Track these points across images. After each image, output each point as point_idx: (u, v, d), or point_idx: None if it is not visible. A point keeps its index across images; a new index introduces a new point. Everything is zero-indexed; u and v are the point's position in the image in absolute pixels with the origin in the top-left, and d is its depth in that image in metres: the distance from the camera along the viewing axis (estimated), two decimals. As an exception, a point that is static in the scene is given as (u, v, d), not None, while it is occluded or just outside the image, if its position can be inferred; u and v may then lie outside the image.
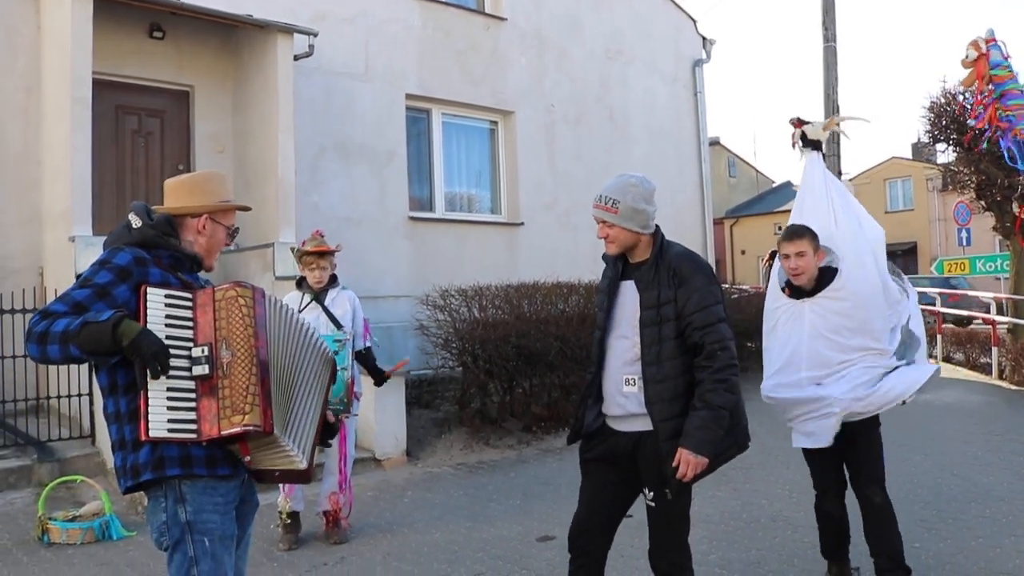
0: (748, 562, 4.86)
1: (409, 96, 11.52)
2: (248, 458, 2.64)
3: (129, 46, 9.25)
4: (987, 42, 5.63)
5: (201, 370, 2.51)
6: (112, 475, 6.56)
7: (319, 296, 5.57)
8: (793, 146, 5.19)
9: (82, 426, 7.33)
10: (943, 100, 15.60)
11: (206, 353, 2.52)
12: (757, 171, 46.21)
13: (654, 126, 14.68)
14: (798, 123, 5.20)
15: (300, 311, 5.32)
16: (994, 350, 12.00)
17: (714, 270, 3.36)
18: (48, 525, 5.59)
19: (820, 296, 4.27)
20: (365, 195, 10.87)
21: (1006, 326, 13.29)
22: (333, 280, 5.69)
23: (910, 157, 37.65)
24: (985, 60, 5.61)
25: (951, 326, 15.89)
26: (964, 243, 19.65)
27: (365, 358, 5.77)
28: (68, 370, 7.23)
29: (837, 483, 4.42)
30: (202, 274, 2.90)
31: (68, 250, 7.75)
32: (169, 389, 2.49)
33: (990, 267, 18.37)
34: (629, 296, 3.28)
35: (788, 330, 4.36)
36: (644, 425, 3.19)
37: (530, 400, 8.78)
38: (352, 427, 5.74)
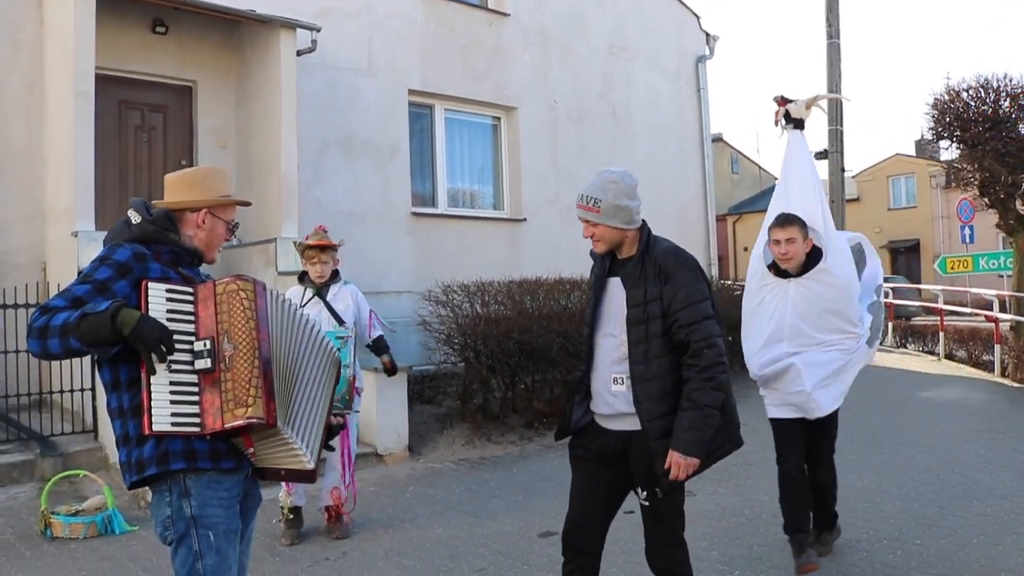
0: (750, 559, 4.87)
1: (412, 92, 11.51)
2: (252, 450, 2.65)
3: (132, 41, 9.25)
4: None
5: (203, 364, 2.51)
6: (114, 469, 6.58)
7: (321, 291, 5.58)
8: (776, 124, 5.33)
9: (84, 421, 7.34)
10: (947, 97, 15.58)
11: (208, 347, 2.52)
12: (760, 168, 46.12)
13: (657, 122, 14.67)
14: (782, 101, 5.32)
15: (302, 306, 5.32)
16: (996, 347, 11.99)
17: (705, 266, 3.34)
18: (51, 519, 5.61)
19: (806, 277, 4.51)
20: (368, 191, 10.87)
21: (1009, 323, 13.28)
22: (335, 275, 5.70)
23: (913, 154, 37.63)
24: None
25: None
26: (967, 240, 19.62)
27: (377, 348, 5.79)
28: (70, 365, 7.24)
29: (799, 455, 4.71)
30: (204, 268, 2.91)
31: (71, 245, 7.75)
32: (172, 383, 2.49)
33: (993, 264, 18.33)
34: (616, 293, 3.25)
35: (773, 307, 4.61)
36: (633, 424, 3.16)
37: (532, 396, 8.79)
38: (354, 423, 5.75)
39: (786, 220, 4.54)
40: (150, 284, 2.55)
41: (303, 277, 5.70)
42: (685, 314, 3.07)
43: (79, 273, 2.79)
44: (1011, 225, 14.44)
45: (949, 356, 13.47)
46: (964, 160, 15.70)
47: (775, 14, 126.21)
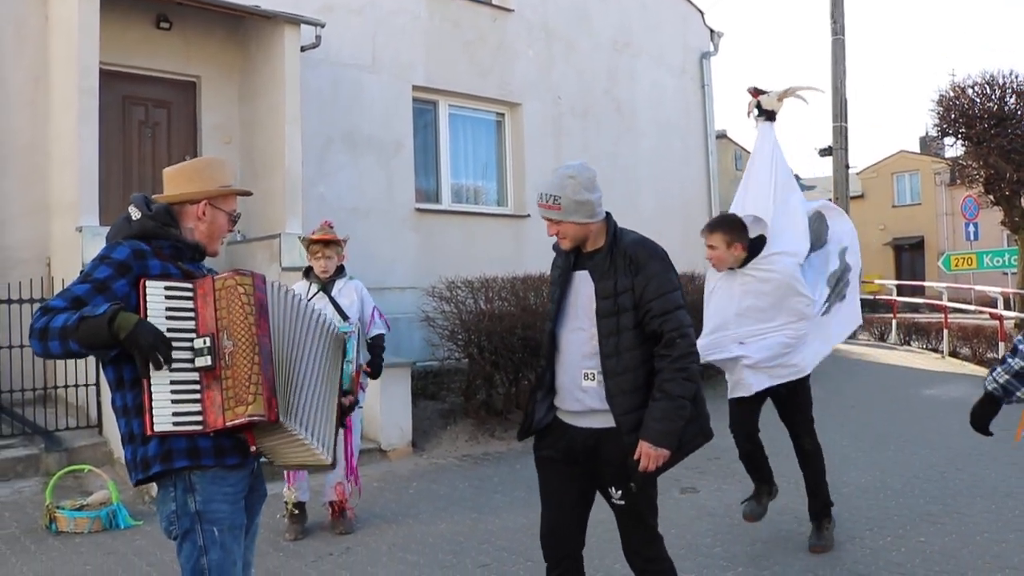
0: (753, 555, 4.86)
1: (416, 88, 11.51)
2: (255, 448, 2.65)
3: (136, 36, 9.25)
4: None
5: (204, 361, 2.50)
6: (119, 464, 6.60)
7: (326, 286, 5.58)
8: (748, 115, 5.40)
9: (89, 416, 7.35)
10: (952, 93, 15.56)
11: (208, 344, 2.51)
12: (764, 164, 46.03)
13: (661, 119, 14.64)
14: (755, 92, 5.34)
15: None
16: (1001, 345, 11.97)
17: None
18: (56, 514, 5.62)
19: (749, 268, 4.73)
20: (372, 186, 10.87)
21: (1013, 321, 13.26)
22: (340, 271, 5.70)
23: (918, 151, 37.53)
24: None
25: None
26: (972, 238, 19.57)
27: (373, 348, 5.77)
28: (75, 360, 7.23)
29: (751, 426, 4.95)
30: (208, 261, 2.90)
31: (75, 240, 7.76)
32: (173, 382, 2.49)
33: (998, 262, 18.29)
34: (584, 286, 3.18)
35: (721, 296, 4.86)
36: (604, 422, 3.10)
37: (536, 392, 8.77)
38: (358, 418, 5.75)
39: (710, 227, 4.75)
40: (148, 282, 2.54)
41: (308, 272, 5.70)
42: (658, 304, 3.03)
43: (83, 267, 2.79)
44: (1016, 222, 14.41)
45: (953, 354, 13.45)
46: (969, 157, 15.68)
47: (780, 10, 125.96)
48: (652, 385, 3.04)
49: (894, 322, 15.96)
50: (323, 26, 9.65)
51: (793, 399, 4.93)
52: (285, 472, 5.58)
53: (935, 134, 18.45)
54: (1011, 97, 15.32)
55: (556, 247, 3.33)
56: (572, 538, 3.28)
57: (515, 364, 8.41)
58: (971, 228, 19.47)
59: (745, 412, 4.91)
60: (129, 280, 2.56)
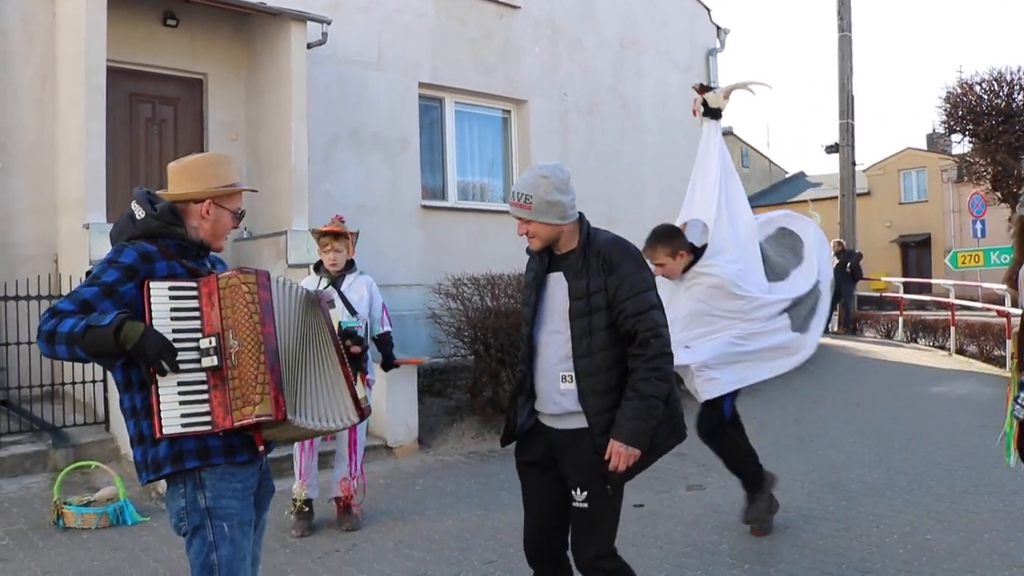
0: (760, 552, 4.86)
1: (422, 85, 11.50)
2: (262, 448, 2.66)
3: (143, 34, 9.27)
4: None
5: (210, 362, 2.51)
6: (126, 460, 6.62)
7: (336, 281, 5.56)
8: (694, 114, 5.31)
9: (96, 412, 7.38)
10: (959, 90, 15.52)
11: (214, 344, 2.52)
12: (770, 162, 45.97)
13: (667, 115, 14.61)
14: (701, 89, 5.28)
15: None
16: (1008, 342, 11.92)
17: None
18: (63, 510, 5.64)
19: (691, 272, 4.81)
20: (378, 184, 10.87)
21: (1020, 318, 13.20)
22: (351, 265, 5.69)
23: (925, 148, 37.40)
24: None
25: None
26: (979, 235, 19.51)
27: (381, 343, 5.78)
28: (83, 358, 7.27)
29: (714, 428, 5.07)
30: (215, 252, 2.89)
31: (82, 237, 7.78)
32: (180, 383, 2.49)
33: (1005, 259, 18.16)
34: (558, 288, 3.15)
35: (667, 301, 4.88)
36: (582, 423, 3.08)
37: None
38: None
39: (650, 246, 4.74)
40: (152, 284, 2.54)
41: (318, 266, 5.70)
42: (631, 303, 3.01)
43: (90, 264, 2.79)
44: (1024, 219, 14.36)
45: (960, 351, 13.41)
46: (976, 154, 15.66)
47: (786, 7, 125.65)
48: (625, 386, 3.02)
49: (901, 319, 15.91)
50: (329, 23, 9.65)
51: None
52: (297, 467, 5.58)
53: (942, 131, 18.44)
54: (1019, 94, 15.28)
55: (529, 250, 3.29)
56: (554, 543, 3.25)
57: (521, 361, 8.40)
58: (978, 225, 19.41)
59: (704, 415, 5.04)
60: (136, 283, 2.56)
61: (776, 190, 42.51)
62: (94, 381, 7.35)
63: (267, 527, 3.07)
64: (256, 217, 9.44)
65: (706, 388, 4.83)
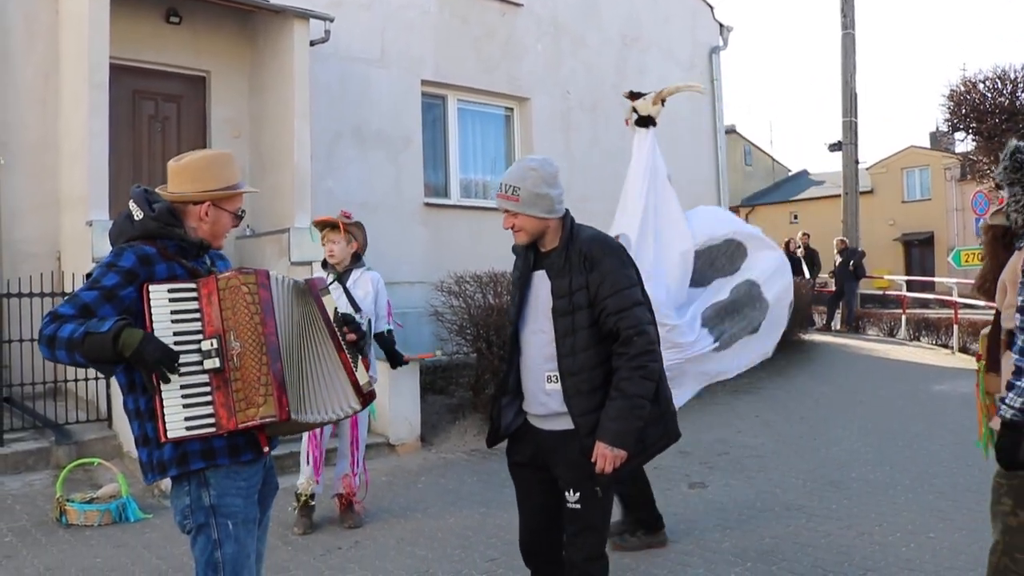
0: (762, 551, 4.86)
1: (425, 82, 11.50)
2: (267, 448, 2.66)
3: (146, 31, 9.27)
4: None
5: (212, 364, 2.51)
6: (128, 458, 6.63)
7: (342, 277, 5.52)
8: (627, 122, 5.18)
9: (99, 409, 7.38)
10: (963, 88, 15.49)
11: (215, 346, 2.51)
12: (773, 159, 45.92)
13: (670, 113, 14.40)
14: (631, 96, 5.15)
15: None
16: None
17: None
18: (66, 507, 5.65)
19: None
20: (381, 181, 10.87)
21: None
22: (357, 260, 5.67)
23: (928, 146, 37.35)
24: None
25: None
26: (982, 233, 19.48)
27: (384, 340, 5.76)
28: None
29: None
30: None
31: (85, 235, 7.79)
32: (183, 387, 2.49)
33: (1007, 258, 18.14)
34: (542, 287, 3.11)
35: None
36: (569, 424, 3.04)
37: (544, 387, 8.76)
38: (364, 413, 5.73)
39: None
40: (151, 287, 2.53)
41: (326, 263, 5.69)
42: (613, 301, 2.96)
43: (93, 262, 2.78)
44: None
45: (963, 349, 13.38)
46: (980, 152, 15.63)
47: (789, 5, 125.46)
48: (611, 385, 2.97)
49: (904, 318, 15.90)
50: (332, 20, 9.65)
51: None
52: (307, 459, 5.52)
53: (945, 129, 18.40)
54: (1022, 91, 15.23)
55: (515, 248, 3.25)
56: (549, 543, 3.22)
57: (523, 359, 8.39)
58: (981, 223, 19.36)
59: None
60: (136, 287, 2.55)
61: (779, 188, 42.49)
62: (97, 378, 7.35)
63: (270, 524, 3.08)
64: (258, 214, 9.44)
65: None
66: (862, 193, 19.92)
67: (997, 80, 16.31)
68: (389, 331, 5.78)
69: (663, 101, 5.18)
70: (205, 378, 2.51)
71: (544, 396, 3.09)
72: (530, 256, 3.19)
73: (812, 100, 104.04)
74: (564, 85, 13.06)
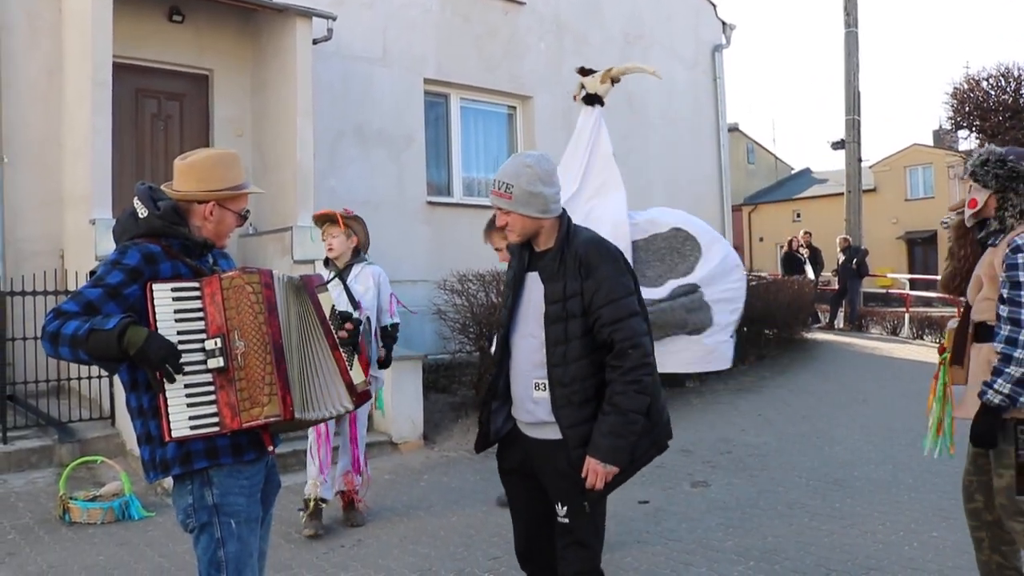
0: (765, 549, 4.85)
1: (427, 81, 11.50)
2: (272, 448, 2.66)
3: (149, 29, 9.28)
4: None
5: (216, 363, 2.50)
6: (131, 456, 6.63)
7: (342, 273, 5.45)
8: (575, 98, 5.14)
9: (102, 407, 7.39)
10: (966, 86, 15.46)
11: (219, 345, 2.51)
12: (776, 158, 45.89)
13: (672, 112, 14.59)
14: (582, 72, 5.10)
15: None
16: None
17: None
18: (69, 504, 5.66)
19: None
20: (383, 180, 10.87)
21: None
22: (357, 255, 5.66)
23: (931, 144, 37.28)
24: None
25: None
26: (985, 231, 19.44)
27: (387, 334, 5.71)
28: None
29: None
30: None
31: (88, 233, 7.80)
32: (187, 386, 2.48)
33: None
34: (535, 290, 2.97)
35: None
36: (556, 433, 2.91)
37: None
38: (364, 411, 5.70)
39: (487, 230, 4.65)
40: (155, 286, 2.53)
41: (328, 260, 5.68)
42: (608, 311, 2.82)
43: (96, 260, 2.78)
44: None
45: (966, 348, 13.35)
46: (983, 150, 15.58)
47: (792, 3, 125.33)
48: (603, 397, 2.85)
49: (907, 316, 15.88)
50: (335, 19, 9.65)
51: None
52: (315, 460, 5.48)
53: (949, 127, 18.36)
54: (1026, 90, 15.21)
55: (511, 247, 3.14)
56: (543, 549, 3.13)
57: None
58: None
59: None
60: (141, 285, 2.55)
61: (782, 186, 42.45)
62: (100, 376, 7.36)
63: (272, 522, 3.08)
64: (261, 213, 9.44)
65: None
66: (865, 191, 19.86)
67: (1001, 78, 16.29)
68: (393, 325, 5.72)
69: (613, 81, 5.10)
70: (209, 377, 2.51)
71: (531, 404, 2.98)
72: (524, 256, 3.07)
73: (815, 98, 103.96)
74: (566, 83, 13.01)
